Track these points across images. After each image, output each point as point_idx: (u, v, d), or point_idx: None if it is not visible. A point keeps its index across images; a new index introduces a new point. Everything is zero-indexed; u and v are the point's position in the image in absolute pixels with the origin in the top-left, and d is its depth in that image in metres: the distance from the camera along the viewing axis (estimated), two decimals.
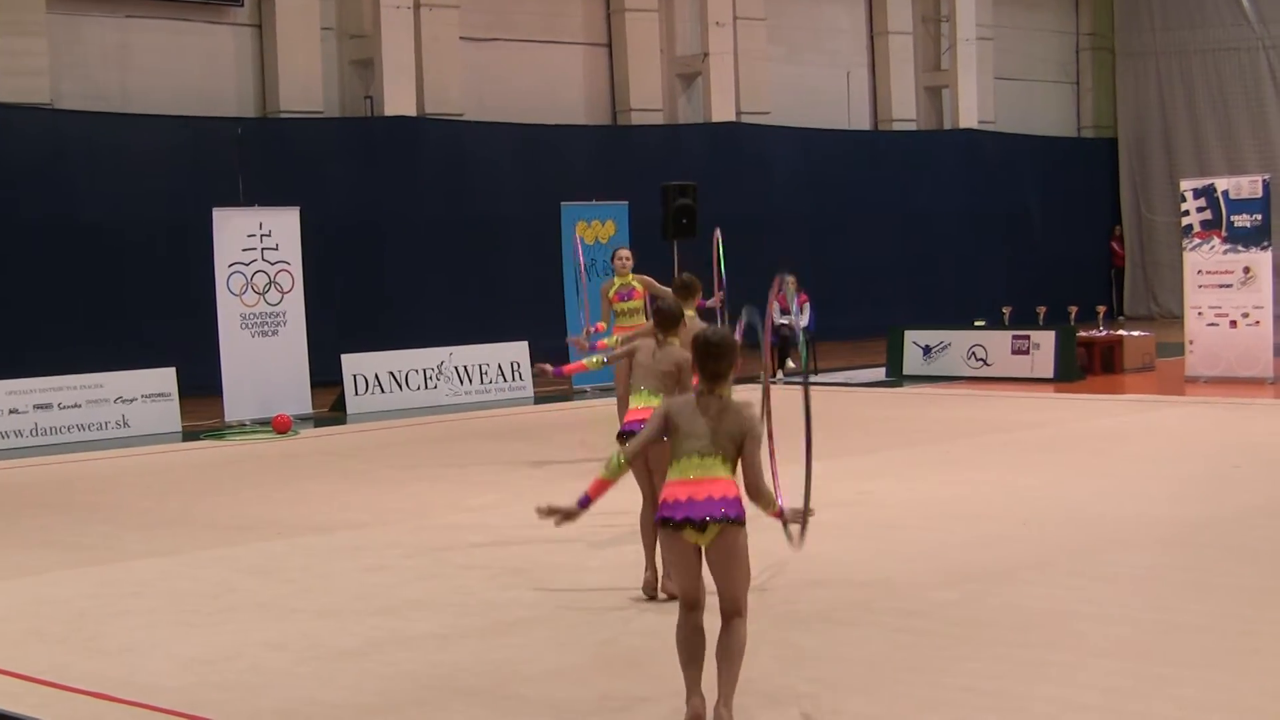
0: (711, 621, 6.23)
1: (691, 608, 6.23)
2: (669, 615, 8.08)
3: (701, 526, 6.08)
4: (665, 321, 8.60)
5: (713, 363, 6.34)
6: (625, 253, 14.89)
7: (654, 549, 8.32)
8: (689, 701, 6.15)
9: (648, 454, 7.64)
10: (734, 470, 6.24)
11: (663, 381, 8.50)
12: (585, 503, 6.44)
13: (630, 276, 14.59)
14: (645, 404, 8.50)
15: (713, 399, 6.33)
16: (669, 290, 14.32)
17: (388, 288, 23.25)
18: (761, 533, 10.22)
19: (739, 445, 6.23)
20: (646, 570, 8.49)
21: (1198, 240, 19.76)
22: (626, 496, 9.73)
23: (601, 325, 14.68)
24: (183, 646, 7.76)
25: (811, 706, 6.42)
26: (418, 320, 22.54)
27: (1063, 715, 6.21)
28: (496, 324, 21.79)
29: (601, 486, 6.47)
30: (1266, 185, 19.76)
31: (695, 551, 6.16)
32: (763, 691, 6.64)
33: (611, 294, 14.68)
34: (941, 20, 31.93)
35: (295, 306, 18.52)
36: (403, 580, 9.26)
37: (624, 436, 8.59)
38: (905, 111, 31.42)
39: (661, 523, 6.20)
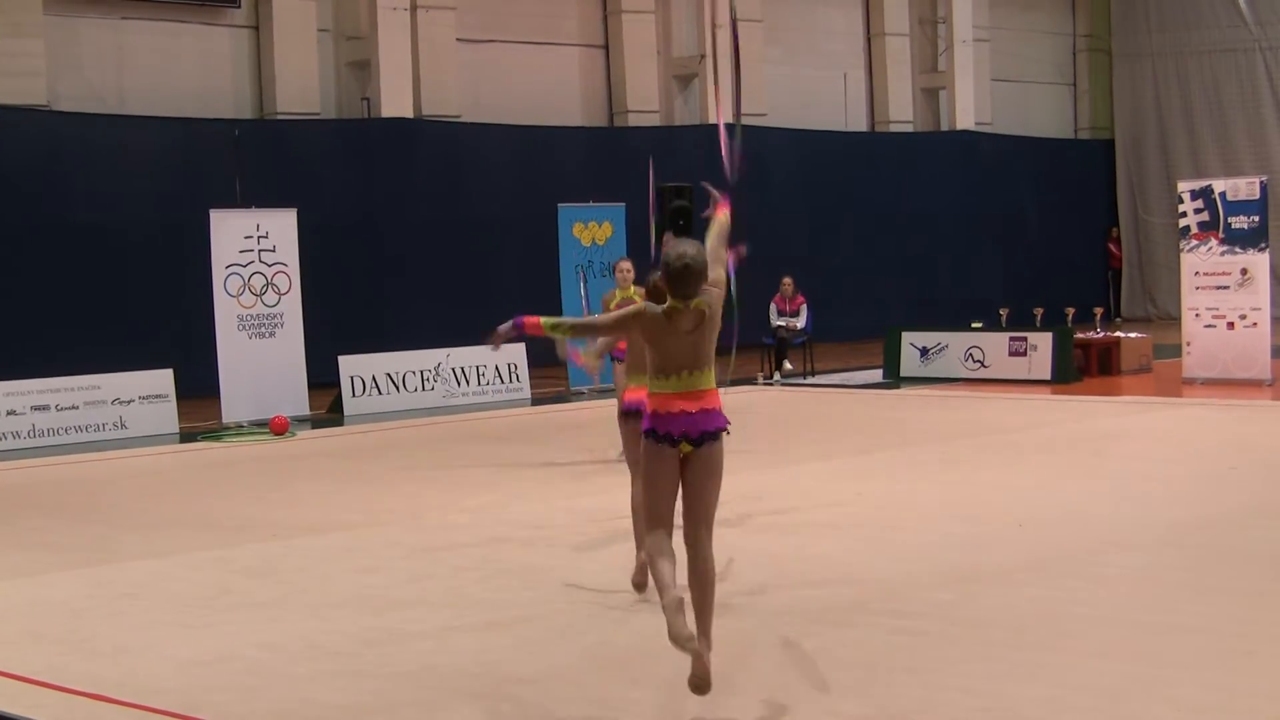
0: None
1: (665, 526, 6.32)
2: (663, 617, 8.10)
3: (697, 441, 6.22)
4: None
5: (682, 286, 6.26)
6: (626, 264, 14.63)
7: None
8: (667, 597, 6.12)
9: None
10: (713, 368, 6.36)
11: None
12: (519, 325, 6.62)
13: (631, 289, 14.44)
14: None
15: (687, 312, 6.28)
16: None
17: (385, 289, 23.26)
18: (759, 534, 10.25)
19: (719, 324, 6.35)
20: (637, 569, 8.47)
21: (1195, 242, 19.77)
22: (622, 501, 9.75)
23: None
24: (179, 648, 7.76)
25: (807, 707, 6.42)
26: (415, 322, 22.54)
27: (1058, 716, 6.22)
28: (493, 325, 21.73)
29: (537, 329, 6.56)
30: (1264, 187, 19.77)
31: (678, 464, 6.26)
32: (758, 692, 6.65)
33: (613, 306, 14.56)
34: (938, 22, 31.96)
35: (292, 308, 18.53)
36: (398, 581, 9.27)
37: (625, 415, 8.31)
38: (902, 113, 31.44)
39: (650, 434, 6.25)
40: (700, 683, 6.11)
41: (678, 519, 6.47)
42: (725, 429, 6.33)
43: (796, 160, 28.59)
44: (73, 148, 20.91)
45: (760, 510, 11.22)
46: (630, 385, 8.30)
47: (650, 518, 6.35)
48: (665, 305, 6.31)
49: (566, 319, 6.50)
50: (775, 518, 10.89)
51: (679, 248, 6.26)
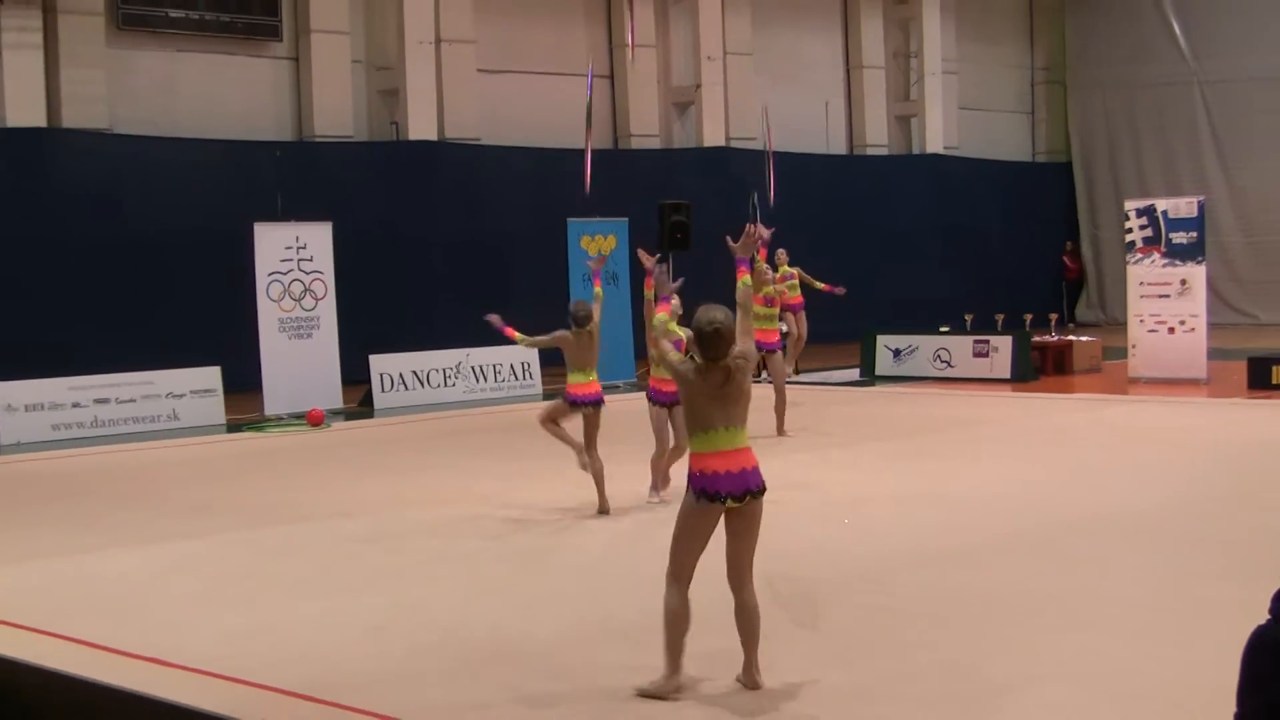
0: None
1: (687, 581, 6.14)
2: (662, 594, 8.06)
3: (740, 499, 6.06)
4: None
5: (712, 350, 6.09)
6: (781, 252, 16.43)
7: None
8: (671, 679, 6.11)
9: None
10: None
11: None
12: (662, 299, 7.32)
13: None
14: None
15: (716, 370, 6.10)
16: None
17: (410, 295, 23.21)
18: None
19: (748, 388, 6.21)
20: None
21: (1140, 255, 19.73)
22: (622, 489, 9.69)
23: None
24: (223, 618, 7.72)
25: (793, 677, 6.38)
26: (438, 324, 22.48)
27: (1022, 685, 6.18)
28: (498, 327, 21.69)
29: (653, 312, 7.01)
30: (1201, 206, 19.74)
31: (719, 520, 6.11)
32: None
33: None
34: (910, 55, 31.92)
35: (327, 312, 18.48)
36: (421, 560, 9.23)
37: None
38: (878, 137, 31.38)
39: (699, 494, 6.06)
40: (753, 685, 6.20)
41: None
42: (763, 487, 6.13)
43: (783, 179, 28.50)
44: (131, 167, 20.87)
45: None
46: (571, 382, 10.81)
47: (674, 570, 6.13)
48: (696, 365, 6.16)
49: (666, 346, 6.89)
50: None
51: (710, 313, 6.13)
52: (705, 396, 6.09)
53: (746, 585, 6.19)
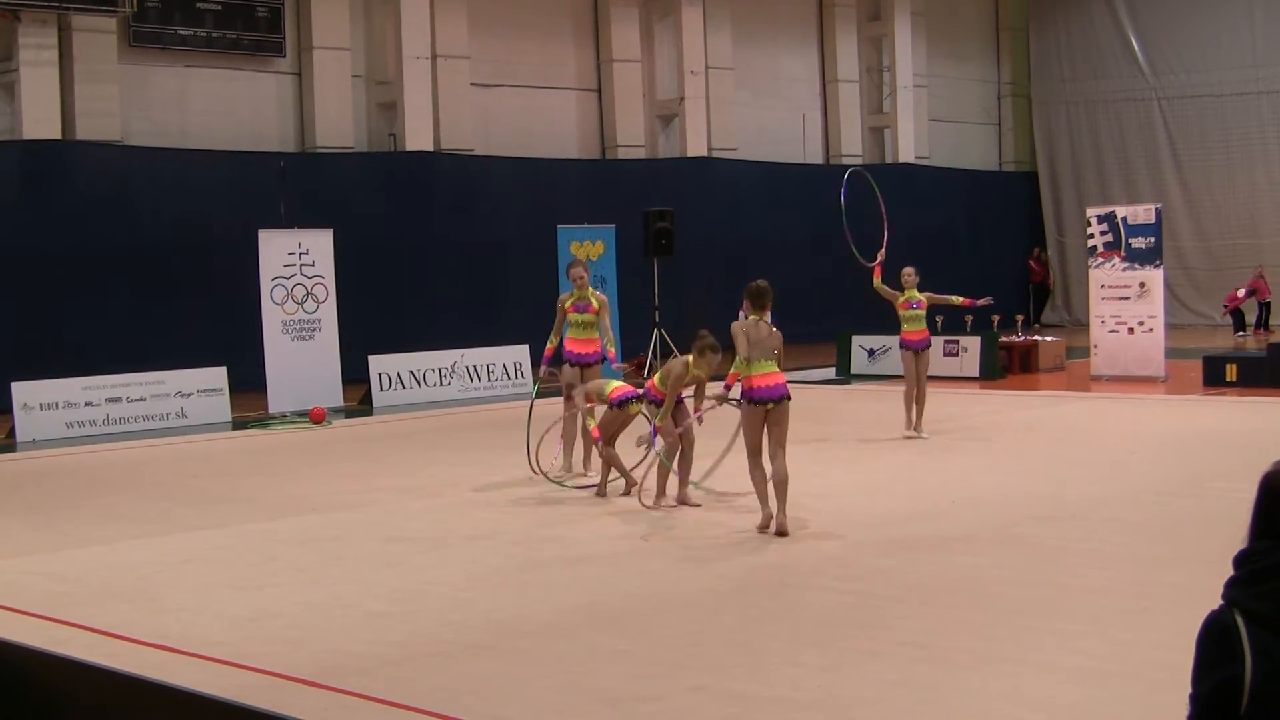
0: None
1: (758, 454, 9.18)
2: (648, 580, 8.13)
3: (776, 402, 9.16)
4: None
5: (761, 299, 9.46)
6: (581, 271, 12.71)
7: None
8: (764, 511, 9.25)
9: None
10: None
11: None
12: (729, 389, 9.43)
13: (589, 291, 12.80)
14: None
15: (762, 323, 9.35)
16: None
17: (408, 298, 23.21)
18: (729, 512, 10.24)
19: (780, 348, 9.37)
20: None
21: (1101, 259, 19.82)
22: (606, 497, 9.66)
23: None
24: (231, 606, 7.75)
25: (772, 657, 6.44)
26: (434, 326, 22.50)
27: (983, 665, 6.24)
28: (501, 330, 21.75)
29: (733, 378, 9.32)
30: (1158, 213, 19.84)
31: (765, 416, 9.15)
32: (729, 644, 6.66)
33: (567, 305, 12.99)
34: (883, 70, 31.98)
35: (329, 315, 18.50)
36: (419, 550, 9.26)
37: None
38: (853, 148, 31.44)
39: (748, 399, 9.16)
40: (780, 530, 9.10)
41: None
42: (788, 396, 9.22)
43: (762, 188, 28.60)
44: (142, 177, 20.85)
45: (731, 490, 11.22)
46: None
47: (749, 450, 9.24)
48: (751, 318, 9.37)
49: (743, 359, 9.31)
50: (744, 499, 10.89)
51: (760, 281, 9.59)
52: (756, 342, 9.20)
53: (779, 460, 9.16)
